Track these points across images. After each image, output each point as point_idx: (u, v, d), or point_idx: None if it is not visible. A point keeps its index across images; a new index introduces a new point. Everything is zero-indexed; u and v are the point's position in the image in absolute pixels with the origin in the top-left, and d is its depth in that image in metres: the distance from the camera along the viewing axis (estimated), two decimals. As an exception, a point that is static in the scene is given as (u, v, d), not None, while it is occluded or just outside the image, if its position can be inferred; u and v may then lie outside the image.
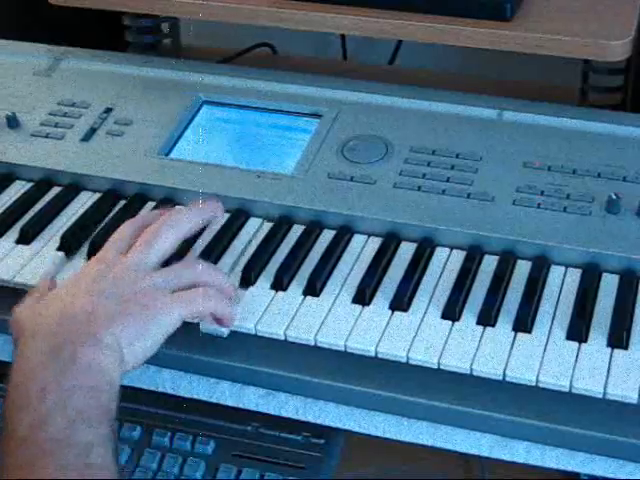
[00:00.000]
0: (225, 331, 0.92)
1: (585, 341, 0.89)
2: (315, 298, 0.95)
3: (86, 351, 0.81)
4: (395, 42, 1.53)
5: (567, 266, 0.98)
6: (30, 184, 1.13)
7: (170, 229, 0.93)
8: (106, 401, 0.80)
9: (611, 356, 0.87)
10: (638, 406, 0.84)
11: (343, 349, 0.90)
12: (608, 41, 1.09)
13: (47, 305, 0.87)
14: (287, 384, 0.92)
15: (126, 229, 0.95)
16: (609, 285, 0.96)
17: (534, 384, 0.86)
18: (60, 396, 0.78)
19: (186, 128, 1.15)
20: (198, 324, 0.93)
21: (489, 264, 0.99)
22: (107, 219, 1.07)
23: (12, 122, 1.17)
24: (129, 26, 1.42)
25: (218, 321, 0.92)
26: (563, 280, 0.97)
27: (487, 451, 0.88)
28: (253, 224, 1.05)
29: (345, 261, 1.00)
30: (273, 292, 0.96)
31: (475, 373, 0.87)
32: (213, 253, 1.00)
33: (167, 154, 1.12)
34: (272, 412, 0.93)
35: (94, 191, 1.12)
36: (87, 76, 1.23)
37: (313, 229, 1.04)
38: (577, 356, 0.87)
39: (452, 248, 1.01)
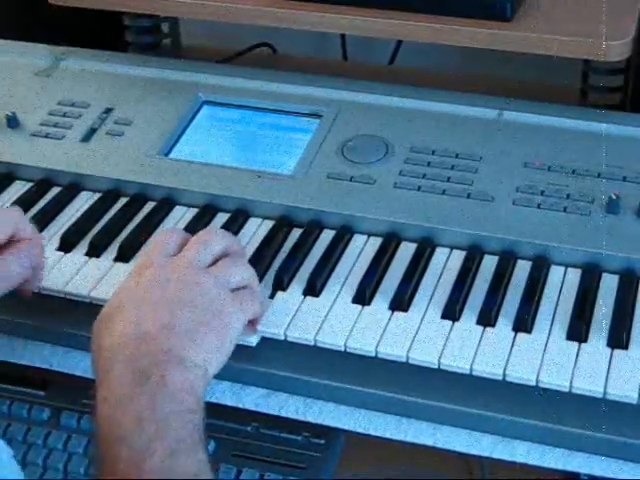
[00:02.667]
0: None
1: (585, 341, 0.89)
2: (315, 298, 0.95)
3: (175, 373, 0.78)
4: (395, 42, 1.53)
5: (567, 266, 0.98)
6: (30, 184, 1.13)
7: (223, 233, 0.92)
8: (200, 422, 0.77)
9: (611, 356, 0.87)
10: (638, 406, 0.84)
11: (343, 349, 0.90)
12: (608, 41, 1.09)
13: (113, 325, 0.81)
14: (287, 384, 0.92)
15: (169, 235, 0.90)
16: (609, 285, 0.96)
17: (534, 384, 0.86)
18: (158, 425, 0.74)
19: (186, 128, 1.15)
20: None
21: (489, 264, 0.99)
22: (107, 219, 1.07)
23: (12, 122, 1.17)
24: (129, 26, 1.42)
25: (250, 323, 0.90)
26: (563, 280, 0.97)
27: (487, 451, 0.88)
28: (253, 224, 1.05)
29: (345, 261, 1.00)
30: (273, 292, 0.96)
31: (475, 373, 0.87)
32: (213, 253, 1.00)
33: (167, 154, 1.12)
34: (272, 412, 0.93)
35: (94, 191, 1.12)
36: (87, 76, 1.23)
37: (313, 229, 1.04)
38: (577, 356, 0.88)
39: (452, 248, 1.01)
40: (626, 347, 0.88)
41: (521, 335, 0.90)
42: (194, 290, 0.84)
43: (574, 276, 0.97)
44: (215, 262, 0.89)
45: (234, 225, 1.04)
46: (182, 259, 0.87)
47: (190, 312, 0.82)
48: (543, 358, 0.87)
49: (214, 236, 0.91)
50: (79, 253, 1.03)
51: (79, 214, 1.08)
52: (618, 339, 0.89)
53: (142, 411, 0.75)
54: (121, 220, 1.07)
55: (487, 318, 0.92)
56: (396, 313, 0.93)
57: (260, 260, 0.99)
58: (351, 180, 1.06)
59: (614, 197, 1.00)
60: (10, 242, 0.93)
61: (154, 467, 0.72)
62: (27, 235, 0.95)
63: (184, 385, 0.78)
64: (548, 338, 0.90)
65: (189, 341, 0.80)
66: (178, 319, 0.81)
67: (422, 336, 0.90)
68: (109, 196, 1.10)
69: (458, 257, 1.00)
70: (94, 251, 1.02)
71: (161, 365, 0.78)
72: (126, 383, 0.77)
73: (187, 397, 0.77)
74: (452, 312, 0.92)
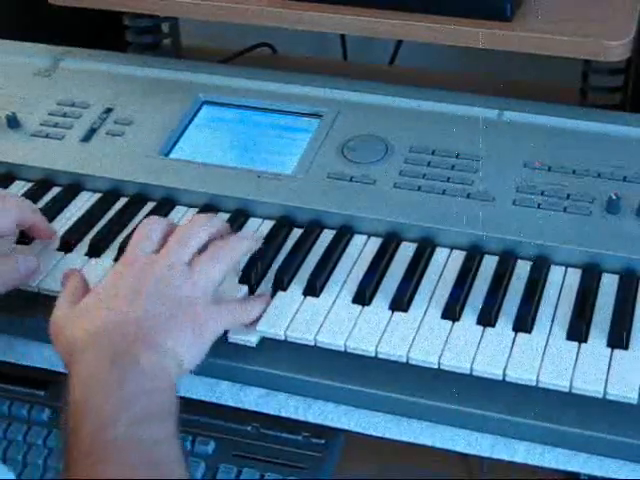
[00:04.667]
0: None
1: (585, 341, 0.89)
2: (315, 298, 0.95)
3: (147, 355, 0.80)
4: (395, 42, 1.53)
5: (567, 266, 0.98)
6: (30, 184, 1.13)
7: (204, 228, 0.92)
8: (168, 402, 0.79)
9: (611, 356, 0.87)
10: (638, 406, 0.84)
11: (343, 349, 0.90)
12: (608, 41, 1.09)
13: (91, 316, 0.84)
14: (287, 384, 0.92)
15: (149, 229, 0.92)
16: (609, 285, 0.96)
17: (534, 384, 0.86)
18: (123, 398, 0.77)
19: (186, 128, 1.15)
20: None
21: (489, 264, 0.99)
22: (107, 219, 1.07)
23: (12, 122, 1.17)
24: (129, 26, 1.41)
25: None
26: (563, 280, 0.97)
27: (487, 451, 0.88)
28: (253, 224, 1.05)
29: (345, 261, 1.00)
30: (273, 292, 0.96)
31: (475, 373, 0.87)
32: (213, 253, 1.00)
33: (167, 154, 1.12)
34: (272, 412, 0.93)
35: (94, 191, 1.12)
36: (87, 76, 1.23)
37: (313, 229, 1.04)
38: (577, 356, 0.87)
39: (452, 248, 1.01)
40: (626, 347, 0.88)
41: (521, 335, 0.90)
42: (173, 289, 0.86)
43: (574, 276, 0.97)
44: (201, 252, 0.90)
45: (234, 225, 1.04)
46: (162, 259, 0.88)
47: (167, 307, 0.84)
48: (543, 358, 0.87)
49: (194, 231, 0.91)
50: (79, 253, 1.03)
51: (79, 214, 1.08)
52: (618, 339, 0.89)
53: (110, 387, 0.77)
54: (121, 220, 1.07)
55: (487, 318, 0.92)
56: (396, 313, 0.93)
57: (260, 260, 0.99)
58: (351, 180, 1.06)
59: (614, 197, 1.00)
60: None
61: (118, 434, 0.74)
62: (34, 223, 0.99)
63: (156, 367, 0.80)
64: (548, 338, 0.90)
65: (164, 331, 0.83)
66: (155, 311, 0.84)
67: (422, 336, 0.90)
68: (109, 196, 1.10)
69: (458, 257, 1.00)
70: (94, 251, 1.02)
71: (134, 348, 0.80)
72: (99, 365, 0.79)
73: (158, 378, 0.80)
74: (452, 312, 0.92)
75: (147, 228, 0.92)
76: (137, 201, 1.09)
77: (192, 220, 0.94)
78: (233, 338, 0.92)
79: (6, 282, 0.95)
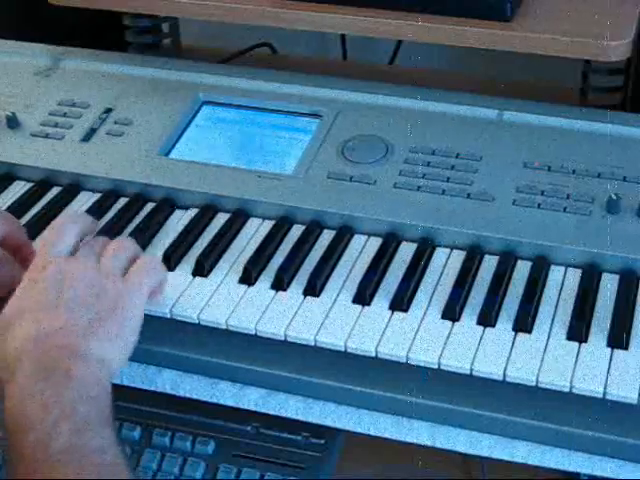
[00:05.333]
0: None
1: (585, 341, 0.89)
2: (315, 298, 0.95)
3: (79, 366, 0.80)
4: (395, 42, 1.53)
5: (567, 266, 0.98)
6: (30, 184, 1.13)
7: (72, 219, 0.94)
8: (107, 408, 0.80)
9: (611, 356, 0.87)
10: (638, 406, 0.84)
11: (343, 349, 0.90)
12: (608, 41, 1.09)
13: (13, 330, 0.83)
14: (287, 384, 0.92)
15: (59, 233, 0.91)
16: (609, 285, 0.96)
17: (534, 384, 0.86)
18: (63, 408, 0.77)
19: (186, 128, 1.15)
20: (201, 325, 0.93)
21: (489, 264, 0.99)
22: (107, 219, 1.07)
23: (12, 122, 1.17)
24: (129, 26, 1.42)
25: (153, 294, 0.92)
26: (563, 280, 0.97)
27: (487, 451, 0.88)
28: (253, 224, 1.05)
29: (345, 261, 1.00)
30: (273, 292, 0.96)
31: (475, 373, 0.87)
32: (213, 253, 1.01)
33: (167, 154, 1.12)
34: (272, 412, 0.93)
35: (94, 191, 1.12)
36: (87, 76, 1.23)
37: (313, 229, 1.04)
38: (577, 356, 0.87)
39: (452, 248, 1.01)
40: (626, 347, 0.88)
41: (521, 335, 0.90)
42: (87, 288, 0.86)
43: (574, 276, 0.97)
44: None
45: (234, 225, 1.04)
46: (73, 260, 0.88)
47: (86, 309, 0.84)
48: (543, 358, 0.87)
49: (66, 227, 0.92)
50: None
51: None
52: (618, 339, 0.89)
53: (48, 399, 0.77)
54: (121, 220, 1.07)
55: (487, 318, 0.92)
56: (396, 313, 0.93)
57: (260, 260, 0.99)
58: (351, 180, 1.06)
59: (614, 197, 1.00)
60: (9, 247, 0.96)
61: (61, 447, 0.74)
62: (19, 241, 0.97)
63: (88, 378, 0.80)
64: (548, 338, 0.90)
65: (88, 336, 0.83)
66: (75, 317, 0.83)
67: (422, 336, 0.90)
68: (109, 196, 1.10)
69: (458, 257, 1.00)
70: (94, 251, 1.02)
71: (64, 361, 0.80)
72: (32, 381, 0.79)
73: (93, 387, 0.80)
74: (452, 312, 0.92)
75: (53, 232, 0.92)
76: (137, 201, 1.09)
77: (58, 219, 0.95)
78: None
79: None
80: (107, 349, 0.83)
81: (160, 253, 1.01)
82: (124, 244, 0.93)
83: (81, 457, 0.74)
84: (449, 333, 0.91)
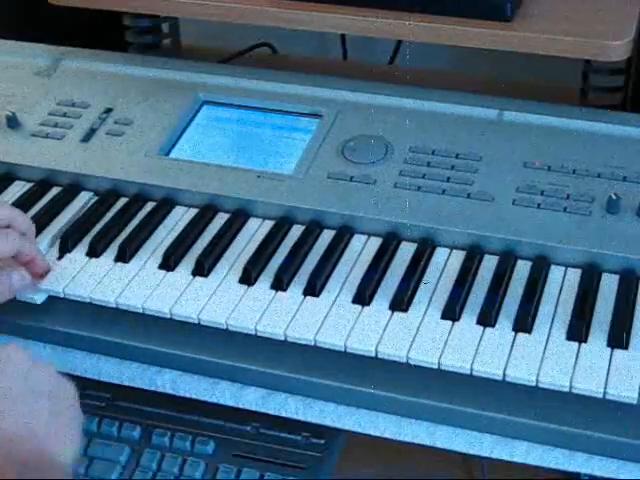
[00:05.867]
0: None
1: (585, 341, 0.89)
2: (315, 298, 0.95)
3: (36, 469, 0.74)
4: (395, 42, 1.53)
5: (567, 266, 0.98)
6: (30, 184, 1.13)
7: None
8: None
9: (611, 356, 0.88)
10: (638, 406, 0.84)
11: (343, 349, 0.90)
12: (608, 41, 1.09)
13: None
14: (287, 384, 0.92)
15: None
16: (609, 285, 0.96)
17: (534, 384, 0.86)
18: None
19: (186, 128, 1.15)
20: (201, 325, 0.93)
21: (489, 264, 0.99)
22: (107, 219, 1.07)
23: (12, 122, 1.17)
24: (129, 26, 1.42)
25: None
26: (563, 280, 0.97)
27: (487, 451, 0.88)
28: (253, 224, 1.05)
29: (345, 261, 1.00)
30: (273, 292, 0.96)
31: (475, 373, 0.87)
32: (213, 253, 1.01)
33: (167, 154, 1.12)
34: (272, 412, 0.93)
35: (94, 191, 1.12)
36: (87, 76, 1.23)
37: (313, 229, 1.04)
38: (577, 356, 0.88)
39: (452, 248, 1.01)
40: (626, 347, 0.88)
41: (521, 335, 0.90)
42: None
43: (574, 276, 0.97)
44: None
45: (234, 225, 1.04)
46: None
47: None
48: (543, 358, 0.87)
49: None
50: (79, 253, 1.03)
51: (79, 214, 1.08)
52: (618, 339, 0.89)
53: None
54: (121, 220, 1.07)
55: (487, 318, 0.92)
56: (396, 313, 0.93)
57: (260, 260, 0.99)
58: (351, 180, 1.06)
59: (614, 197, 1.00)
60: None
61: None
62: (23, 228, 0.98)
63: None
64: (548, 338, 0.90)
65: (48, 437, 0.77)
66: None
67: (422, 336, 0.90)
68: (109, 196, 1.10)
69: (458, 257, 1.00)
70: (94, 251, 1.02)
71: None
72: None
73: None
74: (452, 312, 0.92)
75: None
76: (137, 201, 1.09)
77: None
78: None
79: None
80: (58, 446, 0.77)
81: (160, 253, 1.01)
82: None
83: None
84: (449, 333, 0.91)
